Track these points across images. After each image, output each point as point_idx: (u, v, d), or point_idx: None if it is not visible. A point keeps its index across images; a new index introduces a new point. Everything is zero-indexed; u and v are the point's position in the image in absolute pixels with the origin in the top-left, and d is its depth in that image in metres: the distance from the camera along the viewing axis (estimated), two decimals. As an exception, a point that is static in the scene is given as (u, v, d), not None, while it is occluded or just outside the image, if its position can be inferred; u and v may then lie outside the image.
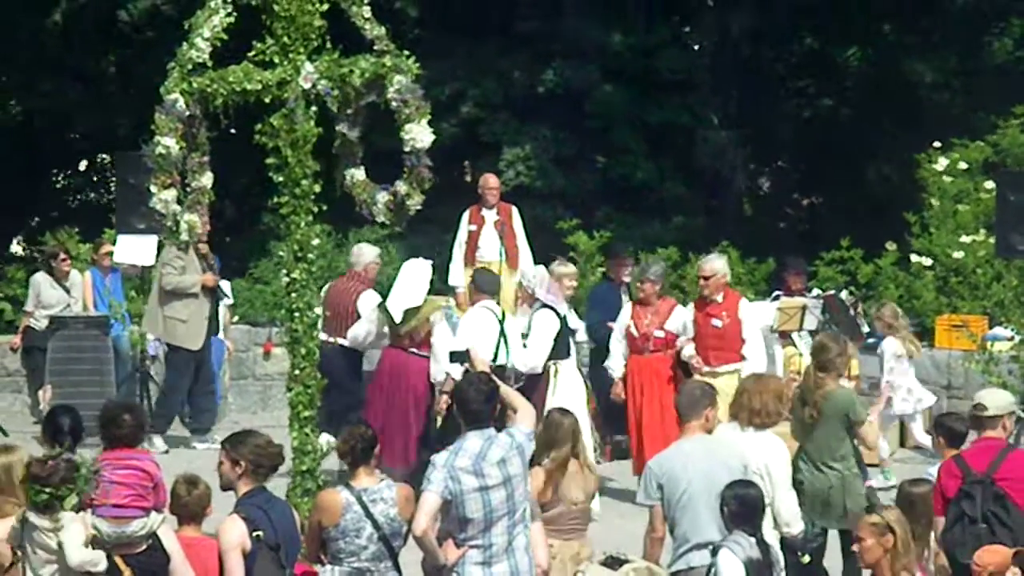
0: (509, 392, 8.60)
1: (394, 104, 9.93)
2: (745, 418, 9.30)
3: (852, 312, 15.57)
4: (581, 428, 9.59)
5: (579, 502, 9.12)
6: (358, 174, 10.36)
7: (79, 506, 8.06)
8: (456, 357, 12.64)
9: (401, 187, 10.11)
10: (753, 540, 8.12)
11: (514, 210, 16.77)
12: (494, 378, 8.58)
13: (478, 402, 8.20)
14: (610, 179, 22.50)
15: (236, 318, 18.20)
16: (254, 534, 8.04)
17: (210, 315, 15.37)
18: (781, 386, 9.83)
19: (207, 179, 10.17)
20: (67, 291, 16.74)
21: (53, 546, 7.95)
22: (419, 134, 9.95)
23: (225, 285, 17.65)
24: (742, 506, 8.21)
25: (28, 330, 16.89)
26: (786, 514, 9.17)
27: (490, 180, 17.02)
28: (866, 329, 15.92)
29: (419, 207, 10.21)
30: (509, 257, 16.33)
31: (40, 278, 16.88)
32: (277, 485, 8.82)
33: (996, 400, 9.30)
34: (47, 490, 8.01)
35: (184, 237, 10.13)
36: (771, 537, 8.97)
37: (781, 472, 9.22)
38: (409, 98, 9.92)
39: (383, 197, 10.28)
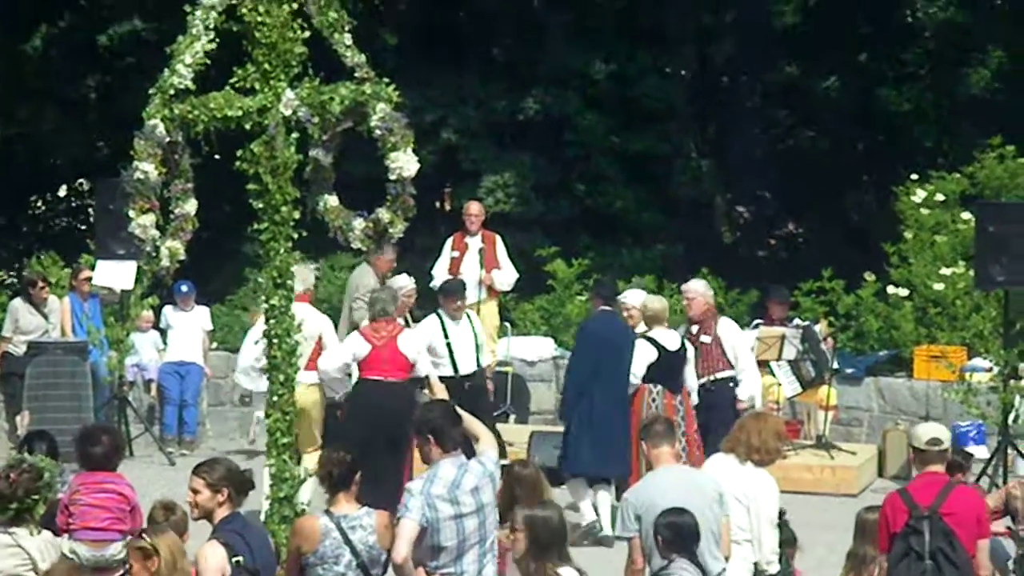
0: (470, 420, 8.59)
1: (378, 132, 9.92)
2: (743, 452, 9.30)
3: (823, 345, 15.61)
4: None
5: None
6: (331, 200, 10.34)
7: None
8: (461, 380, 12.81)
9: (384, 214, 10.10)
10: (697, 568, 8.10)
11: (498, 238, 16.80)
12: (454, 405, 8.60)
13: (448, 428, 8.20)
14: (589, 207, 22.53)
15: (214, 344, 18.18)
16: (233, 559, 8.00)
17: None
18: (781, 424, 9.82)
19: (191, 206, 10.16)
20: (45, 317, 16.70)
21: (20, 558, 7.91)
22: (406, 162, 9.93)
23: (204, 311, 17.67)
24: (676, 534, 8.17)
25: (6, 355, 16.84)
26: (767, 551, 9.20)
27: (472, 207, 17.04)
28: (835, 365, 15.92)
29: (401, 234, 10.22)
30: (489, 286, 16.40)
31: (18, 304, 16.84)
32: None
33: (946, 434, 9.32)
34: (12, 505, 7.98)
35: (165, 263, 10.10)
36: (743, 567, 9.03)
37: (769, 508, 9.24)
38: (394, 126, 9.91)
39: (360, 223, 10.26)
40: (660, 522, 8.23)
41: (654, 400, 13.26)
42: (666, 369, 13.28)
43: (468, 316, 14.21)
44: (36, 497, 8.06)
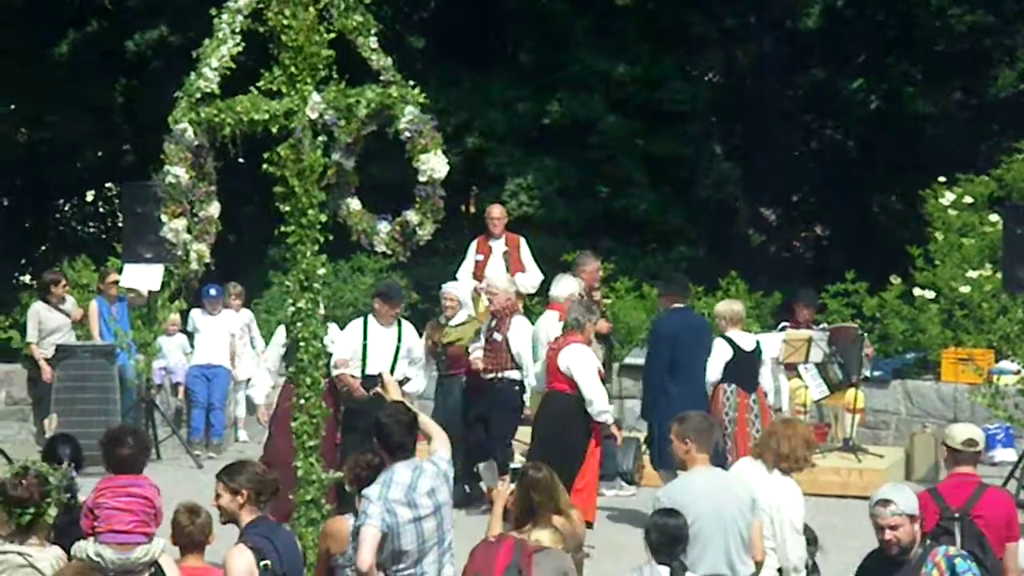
0: (424, 420, 8.56)
1: (407, 135, 9.92)
2: (771, 460, 9.24)
3: (864, 351, 15.59)
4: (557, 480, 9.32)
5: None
6: (354, 204, 10.34)
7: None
8: (369, 383, 12.65)
9: (413, 217, 10.09)
10: (666, 570, 8.05)
11: (522, 240, 16.79)
12: (411, 406, 8.55)
13: (401, 433, 8.11)
14: (613, 210, 22.52)
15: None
16: (261, 563, 8.01)
17: (604, 360, 14.58)
18: (810, 432, 9.72)
19: (214, 209, 10.16)
20: (67, 314, 16.75)
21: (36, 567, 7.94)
22: (436, 164, 9.92)
23: (230, 314, 17.69)
24: (661, 535, 8.13)
25: (35, 359, 16.88)
26: (793, 558, 9.15)
27: (494, 210, 17.05)
28: (866, 372, 15.89)
29: (429, 237, 10.21)
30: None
31: (38, 307, 16.88)
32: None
33: (980, 435, 9.29)
34: (30, 510, 8.01)
35: (193, 267, 10.12)
36: (767, 575, 9.02)
37: (793, 516, 9.18)
38: (423, 129, 9.91)
39: (385, 227, 10.26)
40: (650, 522, 8.20)
41: (728, 399, 13.32)
42: (741, 369, 13.42)
43: (400, 328, 13.56)
44: (48, 500, 8.09)
